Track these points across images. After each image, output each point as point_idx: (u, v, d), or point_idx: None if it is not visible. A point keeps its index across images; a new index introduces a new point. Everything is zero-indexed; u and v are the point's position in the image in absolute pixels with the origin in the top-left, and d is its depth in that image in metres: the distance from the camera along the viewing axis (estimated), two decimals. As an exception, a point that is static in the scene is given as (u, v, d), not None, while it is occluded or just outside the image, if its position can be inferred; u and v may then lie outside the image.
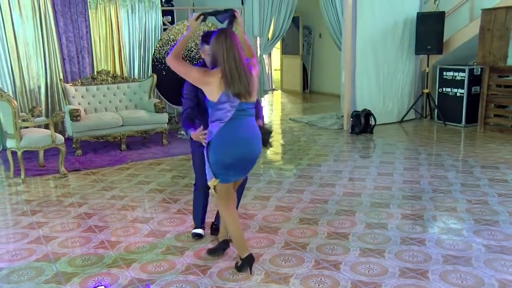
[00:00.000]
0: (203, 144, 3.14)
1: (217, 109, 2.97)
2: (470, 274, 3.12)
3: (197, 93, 3.29)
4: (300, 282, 3.05)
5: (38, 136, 5.56)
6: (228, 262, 3.35)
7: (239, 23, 3.11)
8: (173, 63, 3.02)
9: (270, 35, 9.30)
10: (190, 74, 3.03)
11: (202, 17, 3.03)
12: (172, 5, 10.23)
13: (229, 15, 3.09)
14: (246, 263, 3.16)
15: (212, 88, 2.95)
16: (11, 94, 6.48)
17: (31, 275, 3.25)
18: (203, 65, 3.35)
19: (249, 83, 2.96)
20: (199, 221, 3.82)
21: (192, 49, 8.17)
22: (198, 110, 3.39)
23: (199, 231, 3.80)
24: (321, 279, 3.09)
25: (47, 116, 6.89)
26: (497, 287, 2.95)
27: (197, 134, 3.18)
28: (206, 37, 3.22)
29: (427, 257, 3.37)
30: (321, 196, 4.71)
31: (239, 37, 3.07)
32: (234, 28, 3.11)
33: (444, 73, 8.15)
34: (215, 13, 3.15)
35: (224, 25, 3.20)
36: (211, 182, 3.08)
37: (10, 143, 5.49)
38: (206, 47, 3.22)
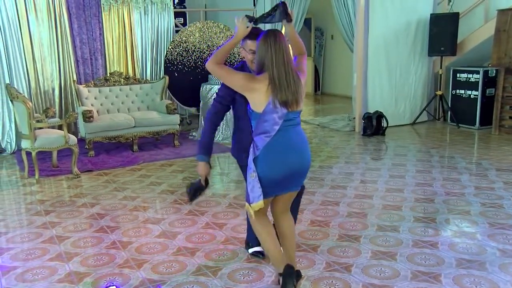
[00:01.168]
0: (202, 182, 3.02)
1: (263, 120, 2.67)
2: (484, 278, 3.08)
3: (234, 97, 2.99)
4: (311, 285, 3.03)
5: (51, 137, 5.62)
6: (239, 263, 3.35)
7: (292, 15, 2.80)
8: (214, 68, 2.73)
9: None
10: (234, 80, 2.73)
11: (252, 23, 2.73)
12: (185, 7, 10.29)
13: (281, 11, 2.72)
14: (287, 277, 2.79)
15: (259, 96, 2.67)
16: (26, 96, 6.55)
17: (44, 274, 3.28)
18: (242, 67, 3.04)
19: (297, 90, 2.68)
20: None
21: (204, 50, 8.20)
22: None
23: (260, 248, 3.41)
24: (332, 281, 3.08)
25: (60, 117, 6.96)
26: (511, 292, 2.92)
27: (205, 173, 3.00)
28: (251, 34, 2.83)
29: (439, 260, 3.33)
30: (333, 198, 4.69)
31: (290, 32, 2.87)
32: (286, 24, 2.81)
33: (458, 74, 8.07)
34: (267, 16, 2.77)
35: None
36: (257, 204, 2.71)
37: (25, 144, 5.56)
38: (249, 42, 2.88)
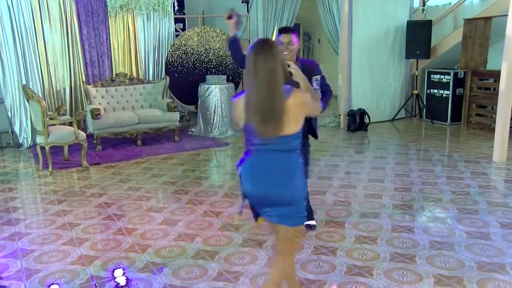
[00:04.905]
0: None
1: (244, 136, 2.26)
2: (452, 257, 3.12)
3: None
4: (300, 266, 3.06)
5: (63, 133, 5.59)
6: (234, 248, 3.36)
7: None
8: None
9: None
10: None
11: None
12: (184, 13, 10.22)
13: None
14: None
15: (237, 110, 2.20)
16: (40, 95, 6.52)
17: (59, 257, 3.28)
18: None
19: (274, 117, 2.06)
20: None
21: (202, 53, 8.17)
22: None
23: (313, 222, 3.65)
24: (319, 263, 3.10)
25: (71, 115, 6.91)
26: (475, 269, 2.96)
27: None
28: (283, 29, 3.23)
29: (415, 243, 3.37)
30: (320, 188, 4.70)
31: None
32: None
33: (432, 76, 8.12)
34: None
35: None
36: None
37: (39, 139, 5.53)
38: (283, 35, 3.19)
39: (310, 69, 3.25)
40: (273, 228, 2.34)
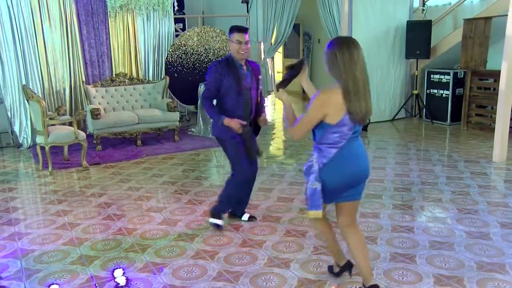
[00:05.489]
0: (238, 132, 3.26)
1: (332, 132, 2.38)
2: (452, 257, 3.12)
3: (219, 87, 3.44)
4: (300, 266, 3.06)
5: (63, 133, 5.59)
6: (234, 248, 3.36)
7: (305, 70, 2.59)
8: (302, 133, 2.43)
9: (273, 41, 9.27)
10: (316, 117, 2.37)
11: (283, 86, 2.54)
12: (184, 13, 10.24)
13: (300, 64, 2.60)
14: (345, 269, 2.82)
15: (334, 109, 2.35)
16: (40, 95, 6.52)
17: (59, 257, 3.28)
18: (227, 61, 3.47)
19: (368, 103, 2.41)
20: (224, 212, 3.76)
21: (202, 53, 8.17)
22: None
23: (220, 222, 3.69)
24: (319, 263, 3.10)
25: (71, 115, 6.91)
26: (475, 269, 2.96)
27: (236, 122, 3.26)
28: (238, 28, 3.40)
29: (415, 243, 3.37)
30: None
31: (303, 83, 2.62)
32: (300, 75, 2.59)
33: (432, 76, 8.11)
34: (292, 73, 2.58)
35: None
36: (316, 213, 2.48)
37: (39, 139, 5.54)
38: (236, 34, 3.37)
39: (256, 70, 3.58)
40: (342, 209, 2.60)
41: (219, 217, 3.69)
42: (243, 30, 3.38)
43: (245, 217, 3.83)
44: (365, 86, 2.35)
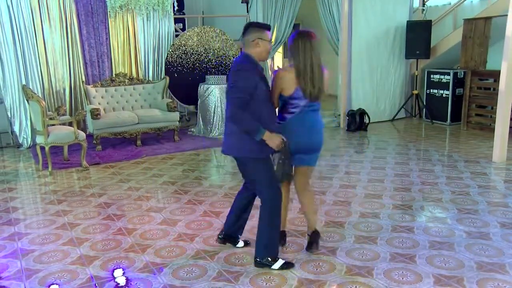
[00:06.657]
0: (277, 149, 2.82)
1: (289, 103, 2.98)
2: (452, 257, 3.12)
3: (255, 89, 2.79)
4: (300, 266, 3.06)
5: (63, 133, 5.59)
6: (234, 248, 3.36)
7: None
8: (273, 100, 2.97)
9: (273, 41, 9.27)
10: (277, 90, 2.97)
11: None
12: (184, 13, 10.23)
13: (285, 147, 2.92)
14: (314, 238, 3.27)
15: (288, 83, 2.94)
16: (40, 95, 6.52)
17: (58, 257, 3.28)
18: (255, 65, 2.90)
19: (321, 84, 2.96)
20: (277, 248, 3.04)
21: (202, 53, 8.17)
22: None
23: (281, 260, 3.01)
24: (319, 263, 3.10)
25: (71, 115, 6.91)
26: (475, 269, 2.96)
27: (278, 137, 2.80)
28: (266, 25, 2.98)
29: (415, 243, 3.37)
30: (320, 188, 4.71)
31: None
32: None
33: (432, 76, 8.12)
34: (279, 156, 2.93)
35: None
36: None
37: (39, 139, 5.53)
38: (267, 32, 2.94)
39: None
40: (297, 172, 3.14)
41: (276, 256, 3.00)
42: (270, 27, 3.02)
43: (241, 244, 3.34)
44: (317, 68, 2.91)
